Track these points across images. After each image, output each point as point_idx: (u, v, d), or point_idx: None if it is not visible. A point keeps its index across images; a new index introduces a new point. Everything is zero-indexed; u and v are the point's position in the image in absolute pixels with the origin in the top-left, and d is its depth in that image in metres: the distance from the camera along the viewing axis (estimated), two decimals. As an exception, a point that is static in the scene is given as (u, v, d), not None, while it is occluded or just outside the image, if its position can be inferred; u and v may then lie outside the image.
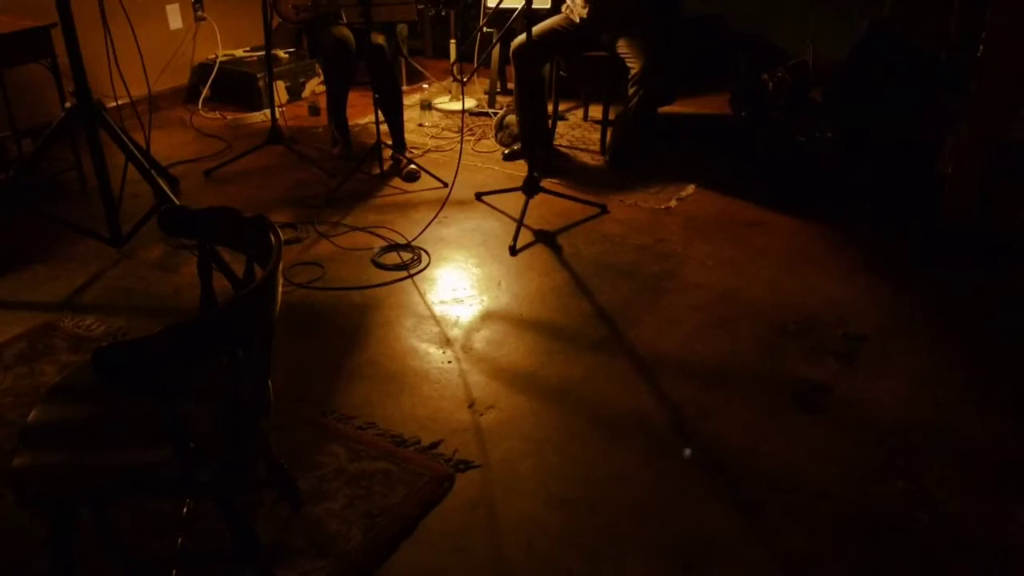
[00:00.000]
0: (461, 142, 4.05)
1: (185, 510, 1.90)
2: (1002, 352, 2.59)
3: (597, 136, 4.24)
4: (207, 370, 1.63)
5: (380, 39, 3.84)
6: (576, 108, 4.75)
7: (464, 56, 4.87)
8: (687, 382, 2.44)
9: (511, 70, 4.00)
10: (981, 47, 3.03)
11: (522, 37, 3.57)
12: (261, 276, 1.42)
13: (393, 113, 3.95)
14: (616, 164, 3.96)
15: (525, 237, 3.27)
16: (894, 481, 2.07)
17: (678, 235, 3.31)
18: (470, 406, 2.34)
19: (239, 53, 4.98)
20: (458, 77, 4.76)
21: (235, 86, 4.79)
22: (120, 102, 3.04)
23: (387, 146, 3.90)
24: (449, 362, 2.54)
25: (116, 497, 1.72)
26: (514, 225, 3.28)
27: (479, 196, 3.63)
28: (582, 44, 3.89)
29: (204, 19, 4.84)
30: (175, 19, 4.72)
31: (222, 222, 1.64)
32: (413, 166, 3.86)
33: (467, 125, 4.49)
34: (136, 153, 3.11)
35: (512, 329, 2.71)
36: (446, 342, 2.64)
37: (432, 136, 4.40)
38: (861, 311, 2.79)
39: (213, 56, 4.88)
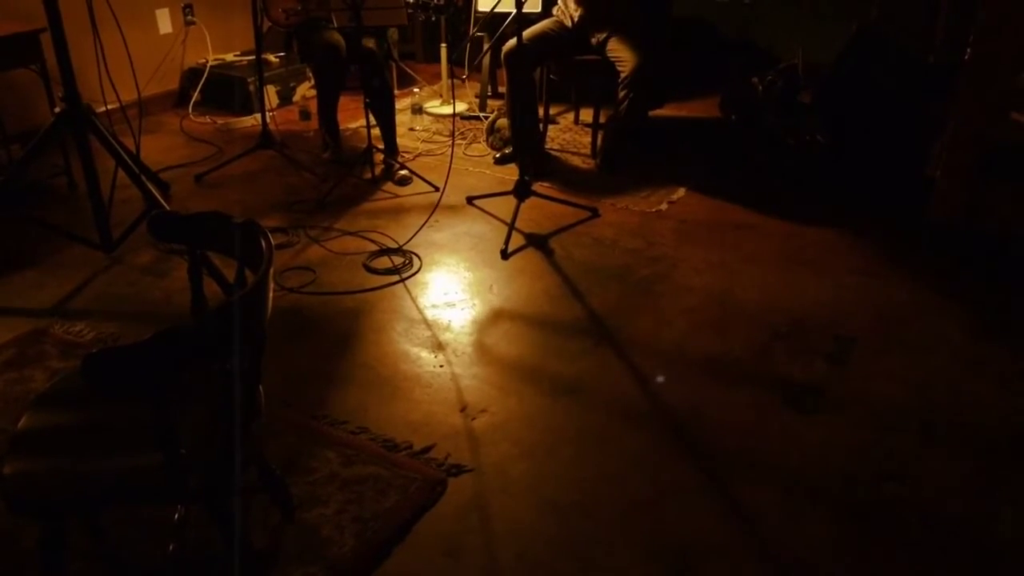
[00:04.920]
0: (452, 146, 4.05)
1: (177, 516, 1.89)
2: (992, 352, 2.60)
3: (588, 139, 4.25)
4: (198, 375, 1.63)
5: (371, 43, 3.85)
6: (567, 112, 4.76)
7: (456, 60, 4.88)
8: (679, 385, 2.45)
9: (502, 74, 4.01)
10: (968, 50, 3.05)
11: (513, 41, 3.58)
12: (252, 281, 1.42)
13: (384, 117, 3.95)
14: (607, 167, 3.97)
15: (516, 241, 3.27)
16: (885, 482, 2.08)
17: (669, 238, 3.32)
18: (462, 410, 2.34)
19: (229, 57, 4.98)
20: (449, 81, 4.76)
21: (225, 90, 4.78)
22: (110, 107, 3.02)
23: (378, 150, 3.90)
24: (441, 366, 2.54)
25: (107, 504, 1.72)
26: (505, 229, 3.28)
27: (470, 200, 3.63)
28: (573, 48, 3.90)
29: (194, 23, 4.84)
30: (165, 23, 4.71)
31: (212, 227, 1.64)
32: (404, 170, 3.86)
33: (458, 129, 4.50)
34: (126, 158, 3.10)
35: (504, 333, 2.71)
36: (438, 346, 2.63)
37: (423, 140, 4.40)
38: (851, 313, 2.80)
39: (203, 60, 4.87)
